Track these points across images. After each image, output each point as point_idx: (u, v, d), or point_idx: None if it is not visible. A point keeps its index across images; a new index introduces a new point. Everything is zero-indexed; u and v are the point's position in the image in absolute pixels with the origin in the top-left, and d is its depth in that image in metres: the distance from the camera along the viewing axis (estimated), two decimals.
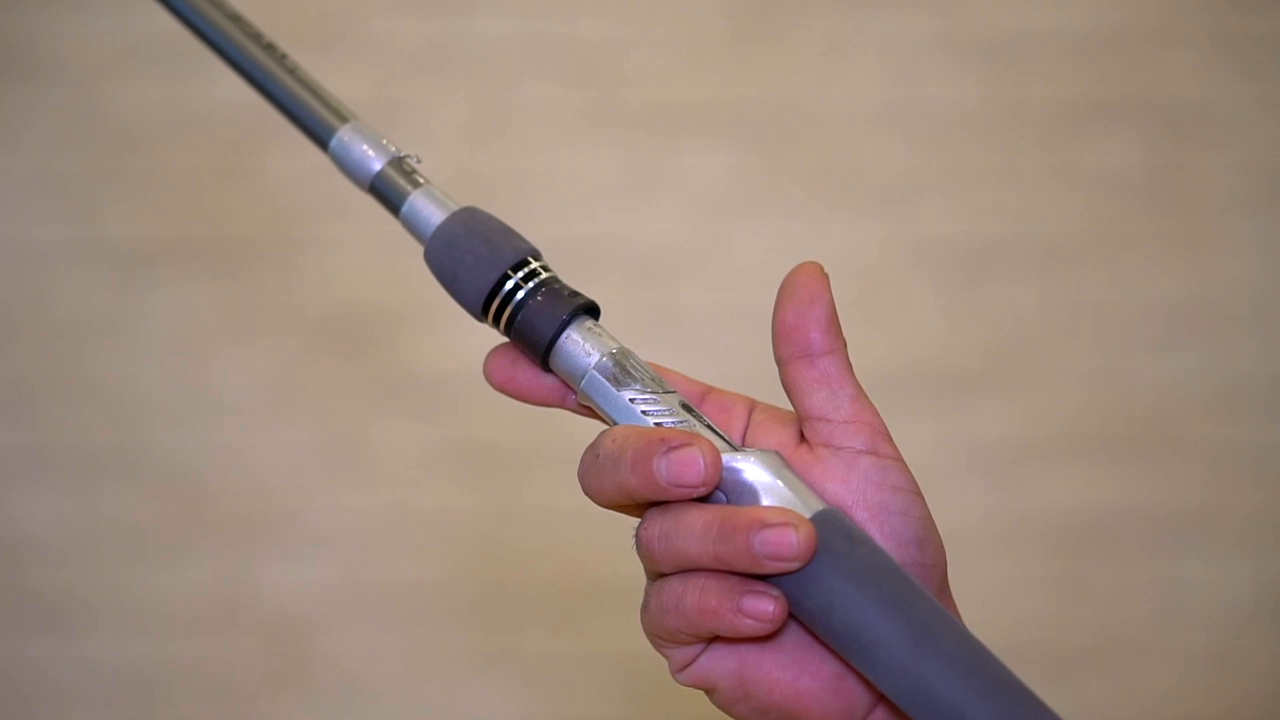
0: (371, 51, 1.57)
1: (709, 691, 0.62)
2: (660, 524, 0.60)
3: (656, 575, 0.61)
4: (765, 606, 0.58)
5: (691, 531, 0.59)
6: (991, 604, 1.56)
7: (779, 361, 0.64)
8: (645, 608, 0.62)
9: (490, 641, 1.56)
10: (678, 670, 0.62)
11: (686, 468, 0.59)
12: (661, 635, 0.61)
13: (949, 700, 0.57)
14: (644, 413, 0.62)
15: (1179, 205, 1.60)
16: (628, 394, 0.62)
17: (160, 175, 1.57)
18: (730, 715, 0.62)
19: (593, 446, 0.62)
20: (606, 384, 0.63)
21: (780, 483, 0.60)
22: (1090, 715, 1.56)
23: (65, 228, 1.56)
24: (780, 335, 0.63)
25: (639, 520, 0.62)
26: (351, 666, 1.56)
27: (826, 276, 0.63)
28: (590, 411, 0.64)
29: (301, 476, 1.56)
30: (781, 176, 1.60)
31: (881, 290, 1.58)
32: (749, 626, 0.58)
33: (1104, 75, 1.60)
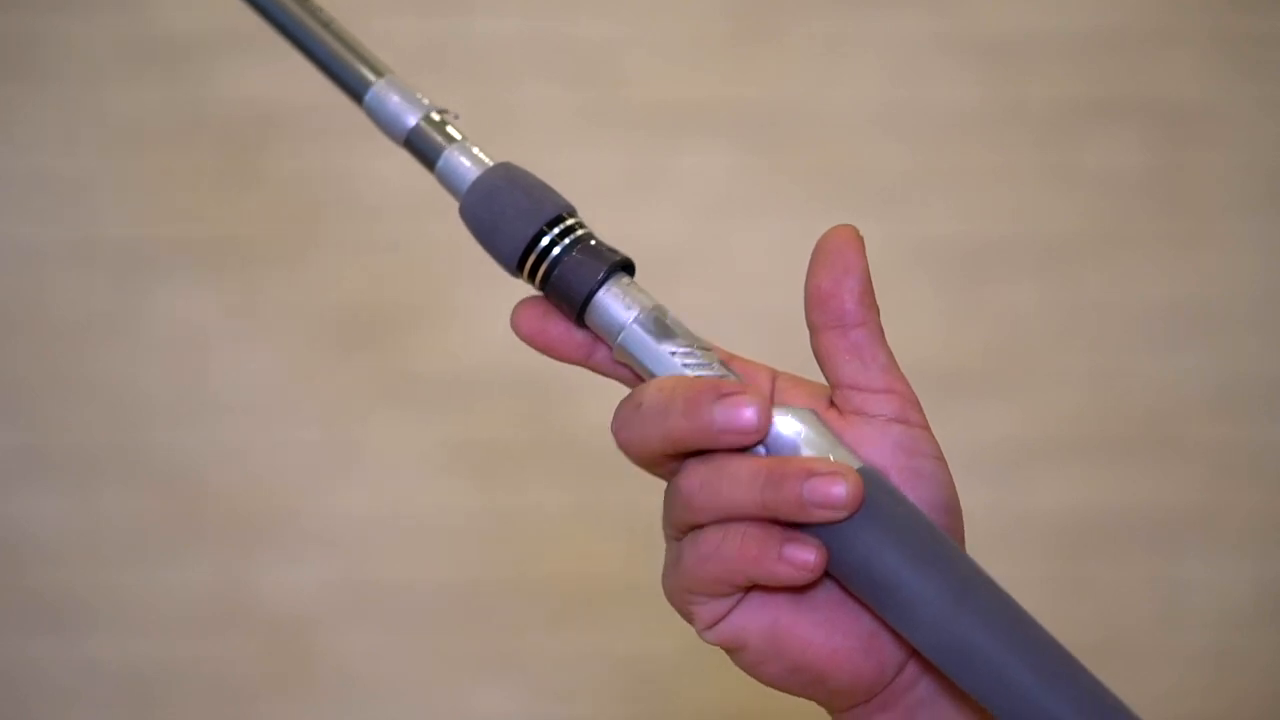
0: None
1: (737, 650, 0.61)
2: (703, 472, 0.60)
3: (687, 529, 0.61)
4: (807, 555, 0.58)
5: (738, 479, 0.59)
6: None
7: (811, 327, 0.63)
8: (677, 562, 0.61)
9: (490, 641, 1.56)
10: (706, 627, 0.61)
11: (740, 413, 0.58)
12: (696, 588, 0.60)
13: (987, 656, 0.58)
14: (685, 366, 0.62)
15: (1179, 205, 1.60)
16: (668, 348, 0.62)
17: (160, 175, 1.57)
18: (756, 675, 0.61)
19: (632, 398, 0.61)
20: (647, 337, 0.62)
21: (821, 439, 0.60)
22: None
23: (65, 228, 1.56)
24: (813, 302, 0.63)
25: (664, 487, 0.62)
26: (351, 666, 1.56)
27: (861, 241, 0.64)
28: (624, 367, 0.64)
29: (301, 476, 1.56)
30: (781, 176, 1.60)
31: (881, 290, 1.57)
32: (789, 574, 0.58)
33: (1104, 75, 1.60)
